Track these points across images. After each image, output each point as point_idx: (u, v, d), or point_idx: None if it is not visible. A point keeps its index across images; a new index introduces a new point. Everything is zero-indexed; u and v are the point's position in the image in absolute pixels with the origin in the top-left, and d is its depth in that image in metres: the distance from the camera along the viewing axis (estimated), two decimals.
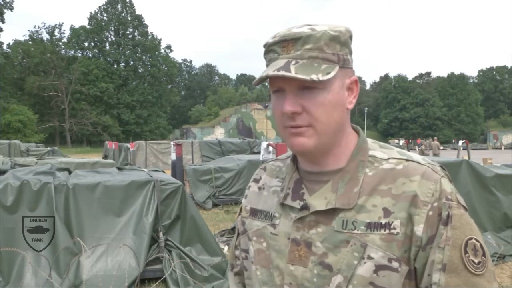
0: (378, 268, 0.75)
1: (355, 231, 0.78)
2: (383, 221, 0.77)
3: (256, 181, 1.02)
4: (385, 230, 0.76)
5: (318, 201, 0.82)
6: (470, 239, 0.75)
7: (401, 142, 34.19)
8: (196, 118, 61.62)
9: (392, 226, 0.76)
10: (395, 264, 0.75)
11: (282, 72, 0.75)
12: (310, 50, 0.78)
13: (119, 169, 5.36)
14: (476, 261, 0.74)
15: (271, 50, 0.82)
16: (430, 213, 0.75)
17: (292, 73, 0.75)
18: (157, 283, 4.12)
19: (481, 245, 0.76)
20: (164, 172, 5.61)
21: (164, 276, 4.08)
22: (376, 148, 0.87)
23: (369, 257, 0.76)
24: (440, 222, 0.75)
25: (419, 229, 0.75)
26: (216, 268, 4.30)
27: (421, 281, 0.76)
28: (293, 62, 0.77)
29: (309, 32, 0.78)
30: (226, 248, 5.72)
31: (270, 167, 1.01)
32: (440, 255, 0.74)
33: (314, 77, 0.75)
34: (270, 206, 0.92)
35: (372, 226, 0.77)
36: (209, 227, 5.01)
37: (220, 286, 4.19)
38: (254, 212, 0.96)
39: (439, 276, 0.73)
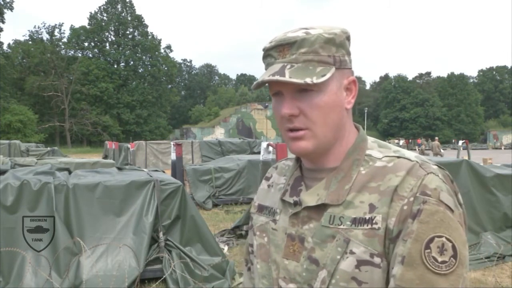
0: (360, 263, 0.76)
1: (341, 226, 0.79)
2: (367, 216, 0.77)
3: (267, 179, 1.06)
4: (367, 225, 0.77)
5: (310, 197, 0.84)
6: (440, 236, 0.71)
7: (401, 142, 34.18)
8: (196, 118, 61.64)
9: (374, 221, 0.76)
10: (377, 260, 0.75)
11: (276, 77, 0.78)
12: (305, 53, 0.80)
13: (119, 169, 5.36)
14: (439, 259, 0.70)
15: (269, 54, 0.85)
16: (405, 207, 0.75)
17: (286, 78, 0.77)
18: (157, 283, 4.11)
19: (454, 247, 0.71)
20: (164, 172, 5.61)
21: (164, 276, 4.08)
22: (374, 148, 0.87)
23: (351, 252, 0.76)
24: (409, 216, 0.74)
25: (391, 222, 0.75)
26: (216, 268, 4.30)
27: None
28: (288, 66, 0.79)
29: (304, 36, 0.80)
30: (226, 248, 5.72)
31: (281, 166, 1.05)
32: (402, 248, 0.72)
33: (308, 80, 0.77)
34: (274, 202, 0.95)
35: (356, 222, 0.78)
36: (209, 227, 5.01)
37: (220, 286, 4.19)
38: (261, 208, 1.00)
39: (397, 269, 0.72)
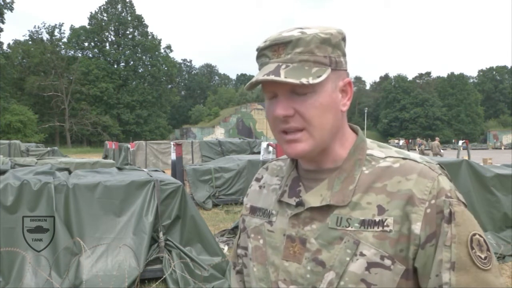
0: (370, 265, 0.75)
1: (349, 228, 0.78)
2: (377, 218, 0.77)
3: (258, 180, 1.03)
4: (378, 228, 0.76)
5: (313, 198, 0.83)
6: (474, 234, 0.74)
7: (401, 142, 34.17)
8: (196, 118, 61.69)
9: (385, 224, 0.76)
10: (387, 262, 0.75)
11: (271, 77, 0.75)
12: (300, 53, 0.78)
13: (119, 169, 5.36)
14: (482, 256, 0.74)
15: (263, 54, 0.82)
16: (428, 210, 0.75)
17: (282, 77, 0.75)
18: (157, 283, 4.12)
19: (484, 240, 0.75)
20: (164, 172, 5.61)
21: (164, 276, 4.08)
22: (374, 148, 0.87)
23: (362, 254, 0.76)
24: (443, 220, 0.74)
25: (416, 227, 0.74)
26: (216, 268, 4.30)
27: (426, 281, 0.75)
28: (283, 66, 0.77)
29: (299, 35, 0.78)
30: (226, 248, 5.72)
31: (272, 166, 1.02)
32: (448, 254, 0.73)
33: (304, 80, 0.75)
34: (269, 203, 0.93)
35: (365, 224, 0.77)
36: (209, 227, 5.01)
37: (220, 286, 4.19)
38: (253, 210, 0.98)
39: (449, 276, 0.72)
